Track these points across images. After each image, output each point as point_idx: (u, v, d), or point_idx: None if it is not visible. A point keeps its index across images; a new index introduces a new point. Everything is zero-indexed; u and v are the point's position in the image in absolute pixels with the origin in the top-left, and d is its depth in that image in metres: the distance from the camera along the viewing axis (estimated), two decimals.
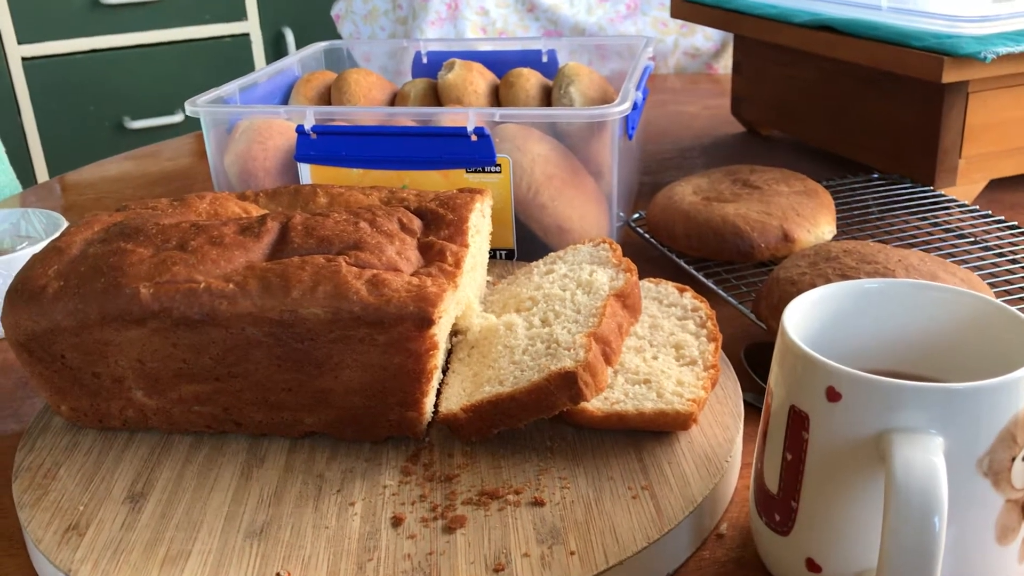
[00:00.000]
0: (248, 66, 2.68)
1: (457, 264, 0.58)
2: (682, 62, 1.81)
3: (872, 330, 0.51)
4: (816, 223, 0.80)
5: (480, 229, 0.66)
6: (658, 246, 0.85)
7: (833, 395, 0.43)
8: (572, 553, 0.48)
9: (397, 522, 0.51)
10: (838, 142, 1.06)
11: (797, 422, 0.45)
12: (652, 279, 0.70)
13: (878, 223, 0.88)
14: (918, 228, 0.87)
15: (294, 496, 0.54)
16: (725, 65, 1.79)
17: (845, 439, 0.43)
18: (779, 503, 0.47)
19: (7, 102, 2.39)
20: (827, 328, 0.51)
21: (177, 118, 2.59)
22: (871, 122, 1.00)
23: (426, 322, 0.53)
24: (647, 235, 0.87)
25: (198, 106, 0.85)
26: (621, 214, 0.87)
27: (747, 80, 1.21)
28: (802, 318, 0.49)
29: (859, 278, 0.65)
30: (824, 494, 0.45)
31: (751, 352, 0.69)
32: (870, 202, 0.93)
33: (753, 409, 0.63)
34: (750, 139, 1.23)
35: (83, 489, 0.55)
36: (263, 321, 0.54)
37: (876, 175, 0.99)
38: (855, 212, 0.90)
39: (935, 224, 0.88)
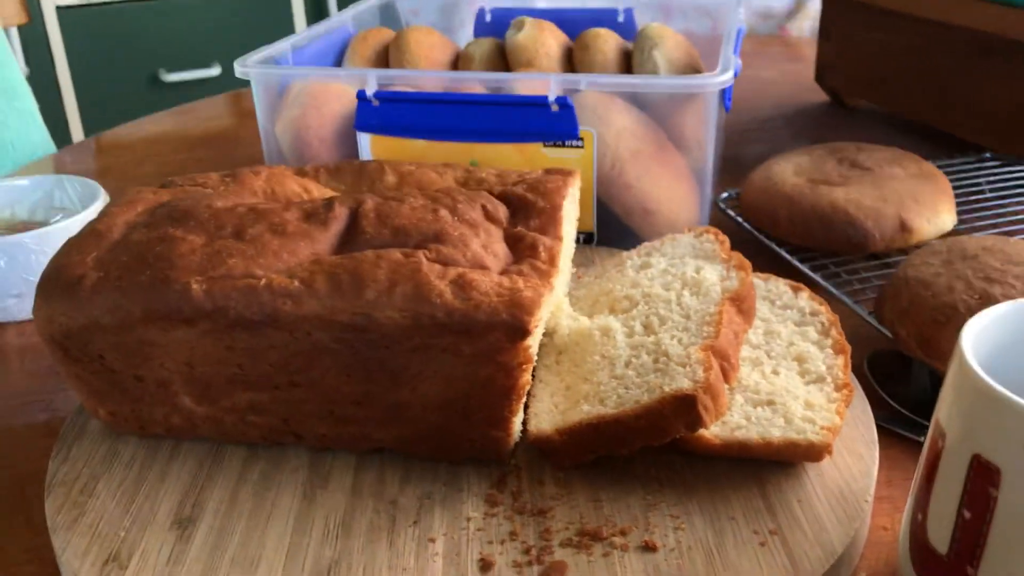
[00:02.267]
0: (287, 16, 2.59)
1: (552, 261, 0.50)
2: (752, 23, 1.70)
3: None
4: (936, 212, 0.71)
5: (570, 217, 0.58)
6: (754, 232, 0.77)
7: None
8: None
9: (486, 567, 0.44)
10: (940, 117, 0.97)
11: (983, 475, 0.37)
12: (761, 274, 0.62)
13: (998, 211, 0.79)
14: None
15: (364, 527, 0.46)
16: (799, 27, 1.69)
17: None
18: (949, 566, 0.39)
19: (42, 52, 2.32)
20: (1007, 355, 0.42)
21: (214, 71, 2.51)
22: (983, 96, 0.90)
23: (521, 332, 0.45)
24: (741, 219, 0.79)
25: (248, 67, 0.77)
26: (709, 193, 0.79)
27: (835, 45, 1.11)
28: (978, 342, 0.41)
29: (1008, 282, 0.56)
30: (1016, 564, 0.37)
31: (874, 362, 0.61)
32: (984, 186, 0.84)
33: (881, 431, 0.55)
34: (836, 110, 1.14)
35: (124, 510, 0.48)
36: (332, 325, 0.47)
37: (988, 155, 0.89)
38: (971, 198, 0.81)
39: None
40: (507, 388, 0.47)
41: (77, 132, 2.42)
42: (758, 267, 0.63)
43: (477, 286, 0.47)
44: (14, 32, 2.18)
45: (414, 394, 0.48)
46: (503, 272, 0.49)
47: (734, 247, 0.59)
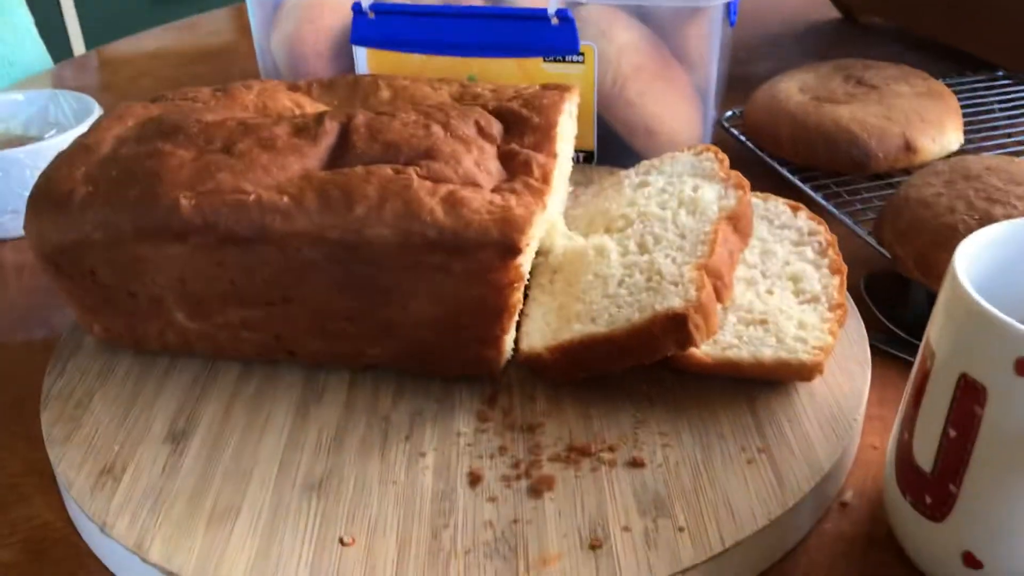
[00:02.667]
0: None
1: (545, 179, 0.49)
2: None
3: None
4: (942, 130, 0.70)
5: (566, 134, 0.57)
6: (757, 151, 0.75)
7: None
8: (681, 529, 0.41)
9: (475, 480, 0.44)
10: (953, 33, 0.94)
11: (969, 394, 0.37)
12: (759, 194, 0.61)
13: (1008, 131, 0.77)
14: None
15: (357, 441, 0.47)
16: None
17: None
18: (933, 484, 0.40)
19: None
20: (1004, 275, 0.42)
21: None
22: (996, 10, 0.87)
23: (512, 251, 0.45)
24: (744, 138, 0.77)
25: None
26: (713, 112, 0.77)
27: None
28: (973, 262, 0.40)
29: (1010, 203, 0.55)
30: (997, 483, 0.37)
31: (872, 283, 0.60)
32: (994, 105, 0.82)
33: (875, 350, 0.55)
34: (848, 26, 1.11)
35: (119, 424, 0.49)
36: (322, 241, 0.46)
37: (1001, 72, 0.87)
38: (980, 117, 0.79)
39: None
40: (498, 306, 0.47)
41: (79, 47, 2.39)
42: (759, 187, 0.62)
43: (468, 204, 0.46)
44: None
45: (405, 311, 0.48)
46: (495, 189, 0.48)
47: (737, 166, 0.58)
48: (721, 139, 0.80)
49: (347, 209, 0.46)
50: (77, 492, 0.45)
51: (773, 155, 0.74)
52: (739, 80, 0.94)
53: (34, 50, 1.16)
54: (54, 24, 2.31)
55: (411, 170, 0.47)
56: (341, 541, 0.41)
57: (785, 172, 0.71)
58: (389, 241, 0.46)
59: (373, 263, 0.47)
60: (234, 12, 1.33)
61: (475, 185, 0.48)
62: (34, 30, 1.18)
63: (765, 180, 0.73)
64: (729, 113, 0.82)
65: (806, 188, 0.69)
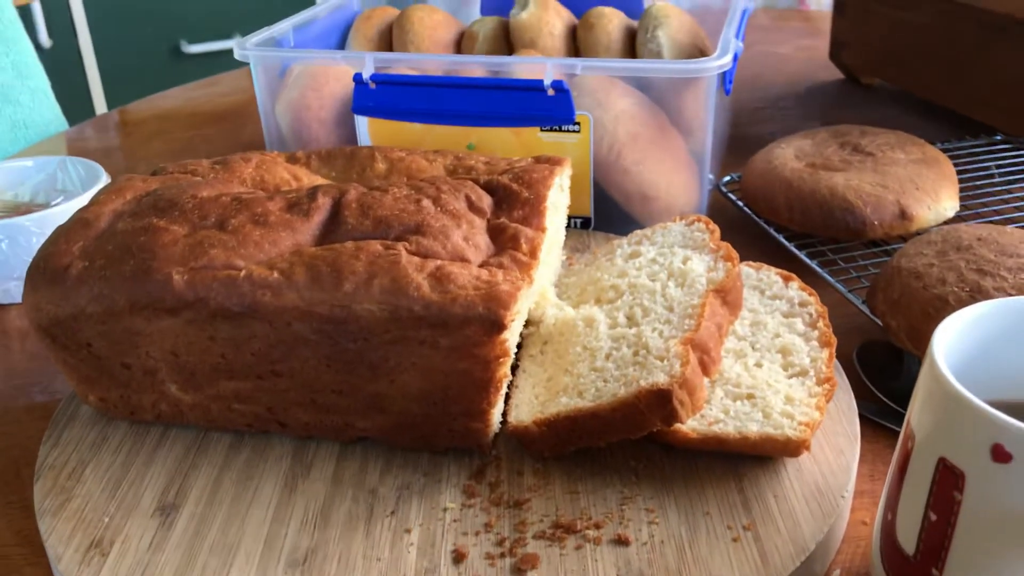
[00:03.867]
0: None
1: (533, 254, 0.50)
2: None
3: None
4: (937, 198, 0.70)
5: (558, 206, 0.58)
6: (753, 216, 0.76)
7: (1001, 455, 0.35)
8: None
9: (459, 558, 0.44)
10: (954, 97, 0.95)
11: (947, 479, 0.37)
12: (752, 263, 0.61)
13: (1005, 195, 0.78)
14: None
15: (343, 516, 0.47)
16: (818, 1, 1.66)
17: (1014, 509, 0.35)
18: (916, 568, 0.39)
19: (65, 24, 2.34)
20: (986, 356, 0.42)
21: (235, 43, 2.51)
22: (997, 76, 0.88)
23: (497, 326, 0.46)
24: (741, 203, 0.78)
25: (247, 49, 0.77)
26: (711, 176, 0.78)
27: (850, 22, 1.09)
28: (954, 342, 0.40)
29: (1000, 275, 0.55)
30: (979, 567, 0.37)
31: (865, 353, 0.60)
32: (992, 169, 0.82)
33: (867, 422, 0.55)
34: (850, 88, 1.12)
35: (109, 496, 0.49)
36: (311, 316, 0.47)
37: (999, 137, 0.88)
38: (977, 182, 0.80)
39: None
40: (484, 381, 0.47)
41: (100, 104, 2.43)
42: (756, 252, 0.62)
43: (455, 279, 0.47)
44: (37, 5, 2.19)
45: (393, 385, 0.49)
46: (483, 264, 0.49)
47: (734, 232, 0.59)
48: (719, 204, 0.80)
49: (336, 285, 0.46)
50: (65, 566, 0.45)
51: (769, 221, 0.74)
52: (741, 141, 0.95)
53: (49, 113, 1.19)
54: (75, 78, 2.36)
55: (400, 246, 0.48)
56: None
57: (781, 238, 0.72)
58: (377, 316, 0.46)
59: (361, 338, 0.47)
60: (249, 72, 1.36)
61: (463, 260, 0.49)
62: (51, 93, 1.21)
63: (761, 246, 0.73)
64: (727, 178, 0.83)
65: (801, 255, 0.69)
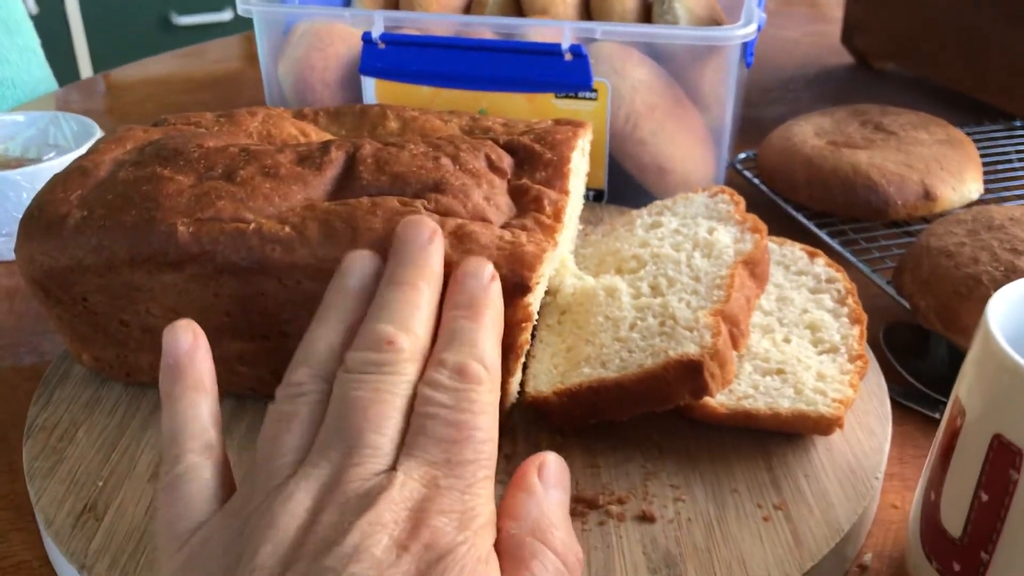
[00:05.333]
0: None
1: (557, 216, 0.48)
2: None
3: None
4: (962, 179, 0.68)
5: (579, 171, 0.55)
6: (770, 194, 0.74)
7: None
8: None
9: None
10: (970, 82, 0.93)
11: (1004, 457, 0.35)
12: (775, 238, 0.59)
13: None
14: None
15: None
16: None
17: None
18: (962, 550, 0.37)
19: None
20: None
21: (226, 15, 2.47)
22: (1016, 61, 0.86)
23: (521, 289, 0.43)
24: (757, 181, 0.76)
25: (251, 4, 0.74)
26: (727, 155, 0.76)
27: (865, 5, 1.07)
28: (1006, 317, 0.38)
29: None
30: None
31: (891, 334, 0.58)
32: (1012, 155, 0.81)
33: (894, 404, 0.53)
34: (862, 73, 1.10)
35: (104, 459, 0.47)
36: (323, 274, 0.44)
37: (1018, 123, 0.86)
38: (997, 167, 0.78)
39: None
40: (505, 347, 0.45)
41: (86, 71, 2.39)
42: (774, 231, 0.60)
43: (477, 239, 0.44)
44: None
45: None
46: (505, 225, 0.47)
47: (749, 210, 0.57)
48: (734, 181, 0.78)
49: (351, 241, 0.44)
50: (56, 531, 0.42)
51: (787, 199, 0.72)
52: (751, 123, 0.93)
53: (39, 72, 1.15)
54: (62, 47, 2.31)
55: (419, 203, 0.46)
56: None
57: (800, 217, 0.70)
58: None
59: (371, 293, 0.45)
60: (243, 40, 1.33)
61: (484, 220, 0.46)
62: (40, 52, 1.17)
63: (779, 224, 0.71)
64: (742, 155, 0.81)
65: (822, 234, 0.67)
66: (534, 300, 0.45)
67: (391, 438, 0.33)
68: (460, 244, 0.44)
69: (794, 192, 0.71)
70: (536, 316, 0.52)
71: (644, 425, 0.48)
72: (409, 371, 0.35)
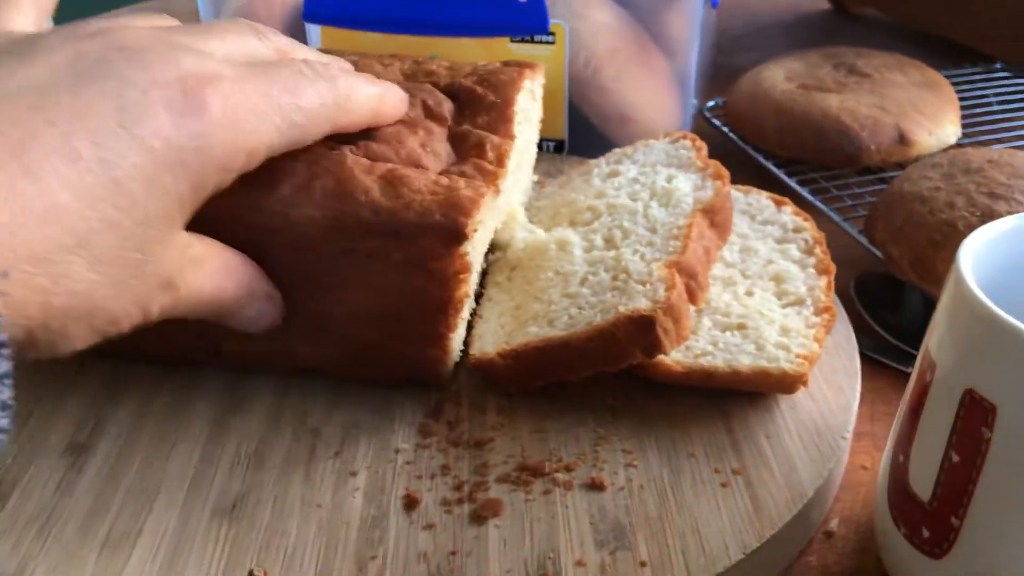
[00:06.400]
0: None
1: (500, 161, 0.44)
2: None
3: None
4: (939, 123, 0.65)
5: (529, 115, 0.52)
6: (739, 142, 0.70)
7: None
8: (643, 564, 0.36)
9: (411, 504, 0.39)
10: (951, 25, 0.89)
11: (976, 414, 0.32)
12: (740, 187, 0.56)
13: (1006, 123, 0.73)
14: None
15: (280, 457, 0.41)
16: None
17: None
18: (932, 516, 0.34)
19: None
20: (1012, 277, 0.37)
21: None
22: (998, 2, 0.82)
23: (456, 236, 0.40)
24: (726, 129, 0.72)
25: None
26: (694, 101, 0.72)
27: None
28: (979, 262, 0.35)
29: (1014, 198, 0.50)
30: (1007, 516, 0.32)
31: (862, 285, 0.55)
32: (991, 98, 0.77)
33: (865, 359, 0.50)
34: (837, 18, 1.06)
35: (15, 433, 0.43)
36: (243, 224, 0.41)
37: (999, 65, 0.82)
38: (977, 111, 0.74)
39: None
40: (443, 301, 0.42)
41: None
42: (743, 180, 0.57)
43: (409, 183, 0.41)
44: None
45: (339, 306, 0.43)
46: (443, 172, 0.43)
47: (717, 159, 0.53)
48: (702, 129, 0.74)
49: (270, 187, 0.40)
50: None
51: (757, 147, 0.69)
52: (723, 70, 0.89)
53: None
54: None
55: (346, 149, 0.42)
56: (251, 574, 0.36)
57: (770, 165, 0.66)
58: (318, 224, 0.40)
59: (301, 249, 0.41)
60: None
61: (420, 167, 0.42)
62: None
63: (748, 173, 0.67)
64: (711, 103, 0.77)
65: (791, 182, 0.64)
66: (472, 250, 0.41)
67: None
68: (391, 188, 0.40)
69: (764, 139, 0.67)
70: (482, 270, 0.49)
71: (596, 387, 0.44)
72: None
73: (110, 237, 0.31)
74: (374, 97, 0.42)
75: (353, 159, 0.41)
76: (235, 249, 0.39)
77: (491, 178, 0.43)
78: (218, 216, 0.40)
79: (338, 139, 0.43)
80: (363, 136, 0.43)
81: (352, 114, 0.41)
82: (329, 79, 0.39)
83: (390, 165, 0.41)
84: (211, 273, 0.37)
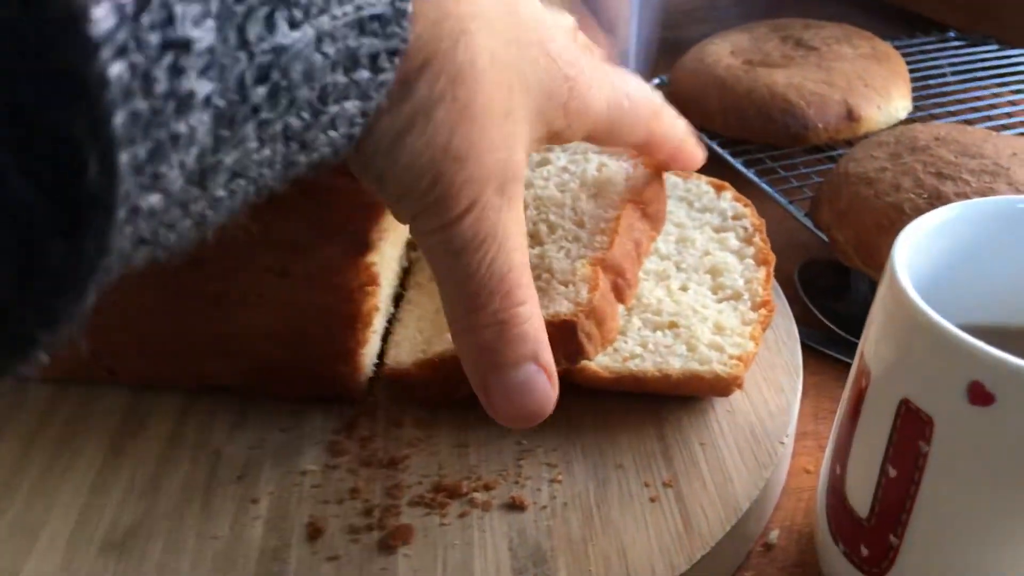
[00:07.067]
0: None
1: None
2: None
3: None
4: (888, 97, 0.62)
5: None
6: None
7: (980, 396, 0.27)
8: None
9: (314, 533, 0.36)
10: None
11: (912, 426, 0.29)
12: (679, 172, 0.53)
13: (960, 95, 0.70)
14: (1013, 104, 0.69)
15: (177, 484, 0.38)
16: None
17: (997, 463, 0.28)
18: (870, 533, 0.32)
19: None
20: (954, 271, 0.34)
21: None
22: None
23: (359, 245, 0.37)
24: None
25: None
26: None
27: None
28: (918, 256, 0.33)
29: (962, 178, 0.48)
30: (947, 535, 0.30)
31: (807, 273, 0.52)
32: (945, 68, 0.75)
33: (810, 351, 0.47)
34: None
35: None
36: None
37: (953, 33, 0.80)
38: (929, 81, 0.72)
39: None
40: (349, 316, 0.39)
41: None
42: None
43: (307, 188, 0.37)
44: None
45: (238, 324, 0.40)
46: (344, 173, 0.40)
47: None
48: None
49: None
50: None
51: (701, 127, 0.66)
52: (672, 45, 0.86)
53: None
54: None
55: None
56: None
57: (714, 145, 0.63)
58: (204, 237, 0.37)
59: (192, 265, 0.38)
60: None
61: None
62: None
63: None
64: (656, 81, 0.74)
65: (737, 163, 0.61)
66: (379, 259, 0.38)
67: None
68: (284, 195, 0.37)
69: (707, 119, 0.64)
70: (404, 268, 0.46)
71: None
72: None
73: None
74: (681, 128, 0.41)
75: None
76: None
77: None
78: None
79: None
80: None
81: (665, 125, 0.40)
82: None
83: None
84: None
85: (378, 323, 0.41)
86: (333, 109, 0.23)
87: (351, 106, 0.23)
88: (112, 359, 0.42)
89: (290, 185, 0.36)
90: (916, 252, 0.33)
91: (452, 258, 0.30)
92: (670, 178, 0.52)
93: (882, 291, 0.31)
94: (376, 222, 0.37)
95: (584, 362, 0.39)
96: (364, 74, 0.23)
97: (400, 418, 0.41)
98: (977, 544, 0.29)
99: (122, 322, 0.40)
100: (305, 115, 0.22)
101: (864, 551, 0.32)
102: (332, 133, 0.24)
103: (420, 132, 0.27)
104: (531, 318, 0.31)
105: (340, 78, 0.23)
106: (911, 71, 0.70)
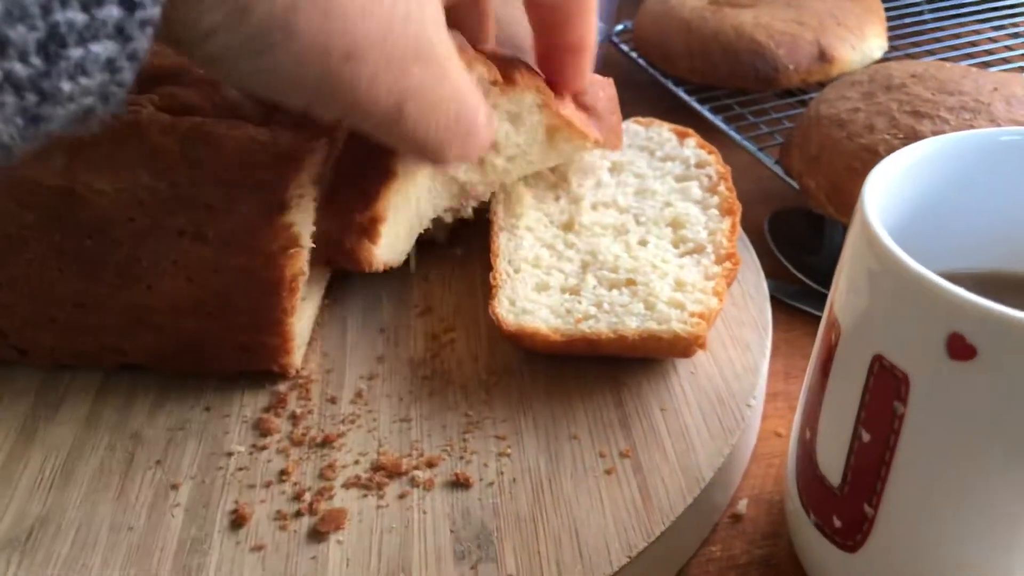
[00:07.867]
0: None
1: None
2: None
3: (1011, 215, 0.31)
4: (863, 36, 0.59)
5: None
6: (648, 69, 0.64)
7: (960, 349, 0.24)
8: None
9: (239, 521, 0.33)
10: None
11: (887, 385, 0.26)
12: (640, 120, 0.49)
13: (937, 33, 0.67)
14: (992, 41, 0.66)
15: (91, 471, 0.35)
16: None
17: (978, 424, 0.25)
18: (843, 503, 0.29)
19: None
20: (929, 213, 0.31)
21: None
22: None
23: (275, 204, 0.33)
24: (634, 54, 0.66)
25: None
26: (602, 25, 0.65)
27: None
28: (889, 196, 0.29)
29: (940, 115, 0.45)
30: (926, 505, 0.27)
31: (778, 223, 0.49)
32: (922, 5, 0.71)
33: (782, 306, 0.44)
34: None
35: None
36: (30, 202, 0.34)
37: None
38: (906, 20, 0.68)
39: (1015, 35, 0.66)
40: (271, 282, 0.35)
41: None
42: (649, 112, 0.51)
43: (217, 142, 0.34)
44: None
45: (152, 294, 0.36)
46: (266, 122, 0.36)
47: (626, 89, 0.47)
48: (611, 58, 0.68)
49: (46, 155, 0.33)
50: None
51: (667, 73, 0.62)
52: None
53: None
54: None
55: (144, 99, 0.35)
56: None
57: (680, 92, 0.60)
58: (113, 200, 0.34)
59: (97, 230, 0.34)
60: None
61: (236, 117, 0.35)
62: None
63: (656, 103, 0.61)
64: (620, 27, 0.70)
65: (703, 110, 0.57)
66: (301, 219, 0.35)
67: None
68: (195, 148, 0.33)
69: (672, 64, 0.61)
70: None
71: (472, 364, 0.38)
72: None
73: None
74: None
75: (151, 115, 0.34)
76: None
77: (325, 131, 0.36)
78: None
79: (137, 87, 0.36)
80: (170, 79, 0.36)
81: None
82: None
83: (196, 120, 0.34)
84: None
85: (305, 291, 0.38)
86: (76, 53, 0.19)
87: (101, 48, 0.19)
88: (19, 338, 0.39)
89: (193, 139, 0.33)
90: (889, 193, 0.29)
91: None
92: (630, 125, 0.48)
93: (852, 236, 0.28)
94: (292, 179, 0.33)
95: (534, 326, 0.36)
96: (113, 11, 0.19)
97: (336, 392, 0.38)
98: (958, 514, 0.26)
99: (26, 297, 0.37)
100: (33, 60, 0.18)
101: (836, 522, 0.29)
102: (84, 80, 0.20)
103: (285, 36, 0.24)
104: None
105: (76, 16, 0.19)
106: (886, 8, 0.67)
